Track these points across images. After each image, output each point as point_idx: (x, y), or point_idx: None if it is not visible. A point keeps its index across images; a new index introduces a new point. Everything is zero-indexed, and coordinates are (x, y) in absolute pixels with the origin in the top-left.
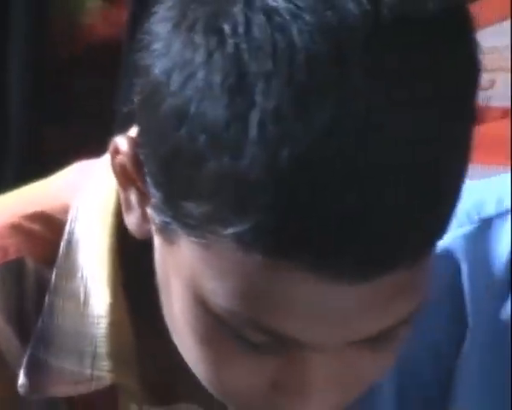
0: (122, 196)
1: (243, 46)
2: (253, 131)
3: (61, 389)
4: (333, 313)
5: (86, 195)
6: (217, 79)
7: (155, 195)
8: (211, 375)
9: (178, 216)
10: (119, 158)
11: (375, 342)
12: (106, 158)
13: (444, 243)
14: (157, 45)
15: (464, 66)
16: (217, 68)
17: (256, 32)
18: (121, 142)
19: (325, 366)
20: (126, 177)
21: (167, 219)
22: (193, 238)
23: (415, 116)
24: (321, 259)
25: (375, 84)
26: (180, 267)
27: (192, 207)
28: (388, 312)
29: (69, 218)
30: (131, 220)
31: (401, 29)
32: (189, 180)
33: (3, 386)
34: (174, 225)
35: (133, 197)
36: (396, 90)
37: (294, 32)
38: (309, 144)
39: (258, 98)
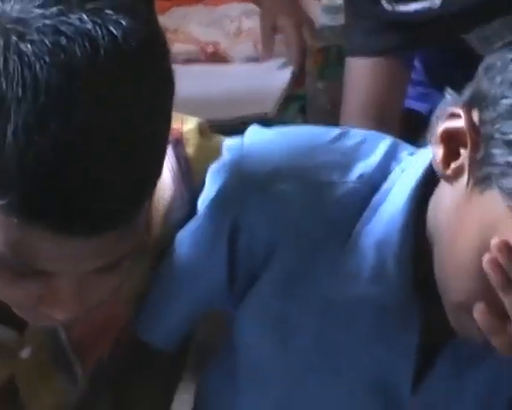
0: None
1: (2, 78)
2: (10, 137)
3: None
4: (70, 256)
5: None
6: None
7: None
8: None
9: None
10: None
11: (105, 270)
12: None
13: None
14: None
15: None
16: None
17: (11, 67)
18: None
19: (71, 285)
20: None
21: None
22: None
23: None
24: (56, 225)
25: (92, 98)
26: None
27: None
28: (111, 253)
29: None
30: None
31: (112, 66)
32: None
33: None
34: None
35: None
36: (108, 103)
37: (38, 68)
38: (46, 146)
39: (13, 115)
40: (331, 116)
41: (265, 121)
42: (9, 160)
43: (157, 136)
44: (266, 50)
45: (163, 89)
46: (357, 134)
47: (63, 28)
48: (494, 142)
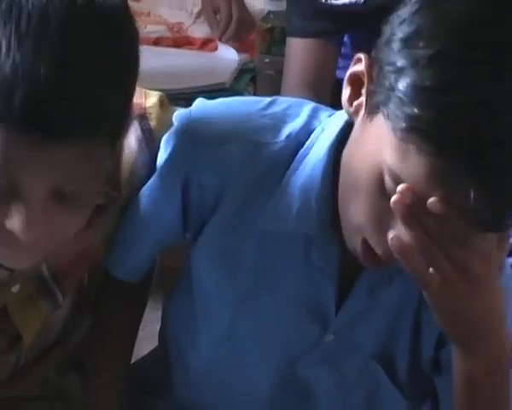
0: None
1: None
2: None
3: None
4: (41, 162)
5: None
6: None
7: None
8: None
9: None
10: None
11: (67, 203)
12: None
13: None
14: None
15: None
16: None
17: (4, 6)
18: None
19: (31, 214)
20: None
21: None
22: None
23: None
24: (33, 130)
25: (63, 42)
26: None
27: None
28: (76, 177)
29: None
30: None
31: (84, 19)
32: None
33: None
34: None
35: None
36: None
37: (24, 10)
38: (28, 73)
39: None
40: (276, 85)
41: (222, 90)
42: None
43: (124, 82)
44: (213, 29)
45: (128, 50)
46: (283, 101)
47: None
48: (383, 70)
